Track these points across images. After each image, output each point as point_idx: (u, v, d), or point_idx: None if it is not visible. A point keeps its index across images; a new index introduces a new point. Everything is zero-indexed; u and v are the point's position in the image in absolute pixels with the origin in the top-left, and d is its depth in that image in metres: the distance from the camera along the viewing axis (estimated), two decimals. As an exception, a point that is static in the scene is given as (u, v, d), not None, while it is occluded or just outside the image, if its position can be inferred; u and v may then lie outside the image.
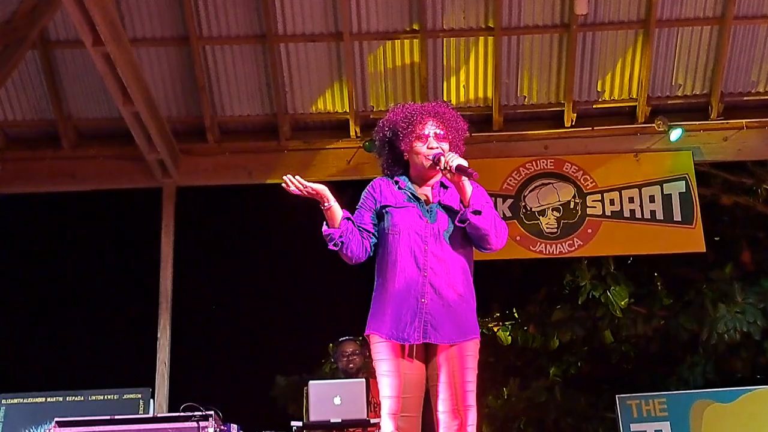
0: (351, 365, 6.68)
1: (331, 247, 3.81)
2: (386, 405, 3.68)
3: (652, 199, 8.29)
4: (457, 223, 3.76)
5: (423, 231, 3.79)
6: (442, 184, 3.93)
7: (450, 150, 3.86)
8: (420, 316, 3.68)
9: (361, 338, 6.93)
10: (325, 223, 3.82)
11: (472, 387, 3.73)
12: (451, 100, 8.31)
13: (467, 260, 3.87)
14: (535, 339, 11.42)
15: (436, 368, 3.72)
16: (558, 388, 11.48)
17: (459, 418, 3.66)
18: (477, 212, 3.72)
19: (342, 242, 3.79)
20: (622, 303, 10.10)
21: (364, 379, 5.70)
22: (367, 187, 4.02)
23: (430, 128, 3.89)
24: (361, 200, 3.99)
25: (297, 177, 3.74)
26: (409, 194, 3.88)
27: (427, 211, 3.84)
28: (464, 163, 3.72)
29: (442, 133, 3.90)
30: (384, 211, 3.89)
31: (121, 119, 7.70)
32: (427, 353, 3.76)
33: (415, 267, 3.73)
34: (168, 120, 8.16)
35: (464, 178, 3.73)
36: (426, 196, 3.90)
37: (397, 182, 3.94)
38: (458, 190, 3.78)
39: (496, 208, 8.06)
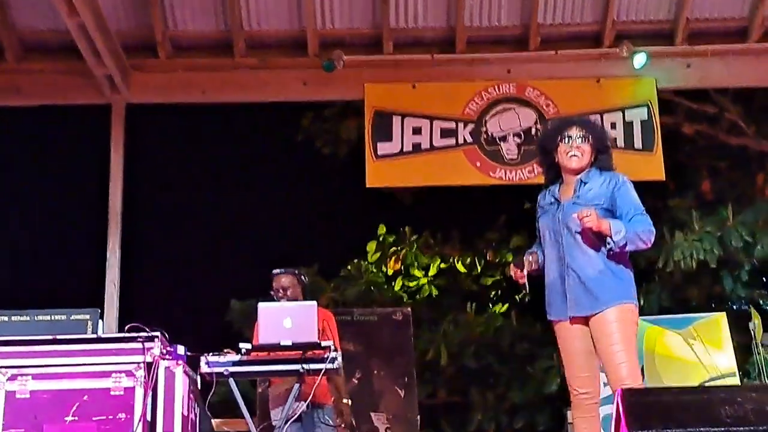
0: (285, 299, 6.22)
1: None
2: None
3: (613, 125, 8.20)
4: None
5: (556, 228, 4.52)
6: (582, 181, 4.57)
7: (593, 151, 4.57)
8: None
9: (297, 270, 6.62)
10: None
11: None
12: (412, 20, 8.12)
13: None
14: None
15: None
16: (514, 314, 11.51)
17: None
18: (620, 245, 4.32)
19: None
20: None
21: (315, 302, 5.56)
22: None
23: (575, 132, 4.58)
24: None
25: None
26: (551, 198, 4.64)
27: (558, 209, 4.54)
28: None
29: (585, 135, 4.57)
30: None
31: (68, 32, 7.34)
32: None
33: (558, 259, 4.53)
34: (117, 34, 7.82)
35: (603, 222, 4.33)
36: (568, 194, 4.55)
37: (549, 190, 4.70)
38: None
39: (457, 134, 7.98)
